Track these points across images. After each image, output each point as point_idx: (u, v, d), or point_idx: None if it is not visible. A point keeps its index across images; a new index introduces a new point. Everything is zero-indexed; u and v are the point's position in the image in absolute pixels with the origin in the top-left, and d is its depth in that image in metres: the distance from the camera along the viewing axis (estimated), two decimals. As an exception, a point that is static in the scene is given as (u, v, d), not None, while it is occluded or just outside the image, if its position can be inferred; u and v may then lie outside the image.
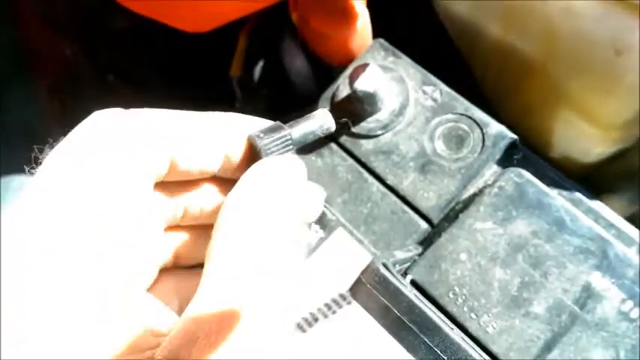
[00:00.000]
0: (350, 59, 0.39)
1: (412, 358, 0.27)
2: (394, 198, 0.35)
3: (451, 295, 0.30)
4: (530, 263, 0.29)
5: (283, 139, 0.27)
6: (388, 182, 0.35)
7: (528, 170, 0.32)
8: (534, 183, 0.31)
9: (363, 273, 0.28)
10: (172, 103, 0.28)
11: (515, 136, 0.34)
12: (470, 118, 0.35)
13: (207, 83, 0.53)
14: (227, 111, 0.28)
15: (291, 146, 0.27)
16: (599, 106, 0.35)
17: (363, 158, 0.36)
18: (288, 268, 0.23)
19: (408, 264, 0.32)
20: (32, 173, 0.24)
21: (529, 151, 0.34)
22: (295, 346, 0.22)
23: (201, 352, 0.20)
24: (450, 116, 0.35)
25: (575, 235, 0.29)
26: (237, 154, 0.27)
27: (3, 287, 0.21)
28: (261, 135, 0.27)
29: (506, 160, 0.34)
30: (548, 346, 0.28)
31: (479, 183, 0.33)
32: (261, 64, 0.54)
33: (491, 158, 0.34)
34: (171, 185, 0.27)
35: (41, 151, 0.24)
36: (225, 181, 0.28)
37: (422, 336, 0.26)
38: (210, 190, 0.28)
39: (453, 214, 0.33)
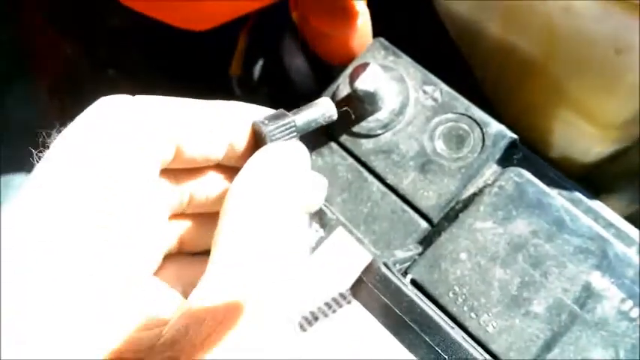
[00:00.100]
0: (350, 58, 0.39)
1: (413, 357, 0.27)
2: (394, 197, 0.35)
3: (451, 295, 0.30)
4: (530, 263, 0.29)
5: (287, 126, 0.27)
6: (388, 182, 0.35)
7: (528, 170, 0.32)
8: (534, 183, 0.31)
9: (364, 272, 0.28)
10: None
11: (515, 136, 0.34)
12: (470, 117, 0.35)
13: (207, 82, 0.53)
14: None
15: (295, 133, 0.28)
16: (599, 106, 0.35)
17: (363, 157, 0.36)
18: (293, 253, 0.24)
19: (408, 263, 0.32)
20: (39, 157, 0.24)
21: (529, 151, 0.34)
22: (295, 345, 0.22)
23: (206, 337, 0.20)
24: (450, 116, 0.35)
25: (575, 234, 0.29)
26: (242, 141, 0.27)
27: (3, 285, 0.21)
28: (266, 122, 0.27)
29: (506, 159, 0.34)
30: (548, 346, 0.28)
31: (479, 182, 0.34)
32: (261, 63, 0.54)
33: (492, 158, 0.34)
34: (177, 172, 0.27)
35: (49, 135, 0.24)
36: (229, 169, 0.28)
37: (423, 335, 0.26)
38: (215, 178, 0.28)
39: (453, 213, 0.33)
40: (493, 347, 0.28)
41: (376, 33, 0.40)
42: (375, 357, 0.32)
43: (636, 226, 0.31)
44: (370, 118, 0.36)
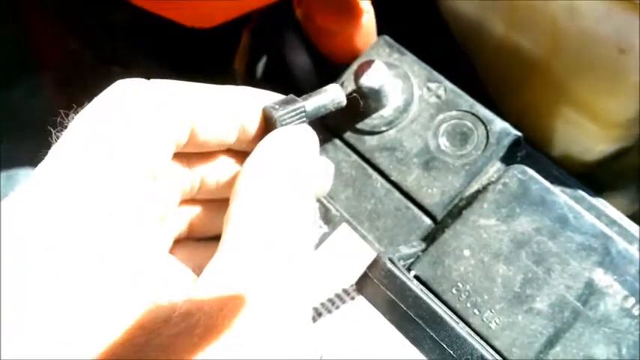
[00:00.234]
0: (354, 56, 0.39)
1: (418, 352, 0.27)
2: (398, 194, 0.35)
3: (454, 291, 0.30)
4: (533, 260, 0.30)
5: (298, 111, 0.27)
6: (392, 178, 0.35)
7: (532, 167, 0.32)
8: (538, 180, 0.31)
9: (369, 267, 0.29)
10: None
11: (519, 134, 0.34)
12: (474, 115, 0.35)
13: (210, 78, 0.53)
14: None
15: (305, 119, 0.28)
16: (602, 105, 0.36)
17: (367, 154, 0.36)
18: (303, 238, 0.24)
19: (412, 260, 0.32)
20: (57, 137, 0.24)
21: (532, 149, 0.35)
22: (310, 336, 0.22)
23: (209, 323, 0.20)
24: (454, 113, 0.35)
25: (577, 232, 0.30)
26: (253, 125, 0.27)
27: (3, 285, 0.20)
28: (276, 107, 0.27)
29: (510, 157, 0.34)
30: (551, 342, 0.28)
31: (482, 180, 0.34)
32: (264, 60, 0.54)
33: (495, 155, 0.34)
34: (189, 156, 0.27)
35: (67, 115, 0.24)
36: (240, 154, 0.28)
37: (428, 330, 0.26)
38: (226, 162, 0.28)
39: (457, 210, 0.33)
40: (496, 344, 0.29)
41: (380, 31, 0.40)
42: (380, 353, 0.32)
43: (638, 224, 0.31)
44: (374, 115, 0.36)
